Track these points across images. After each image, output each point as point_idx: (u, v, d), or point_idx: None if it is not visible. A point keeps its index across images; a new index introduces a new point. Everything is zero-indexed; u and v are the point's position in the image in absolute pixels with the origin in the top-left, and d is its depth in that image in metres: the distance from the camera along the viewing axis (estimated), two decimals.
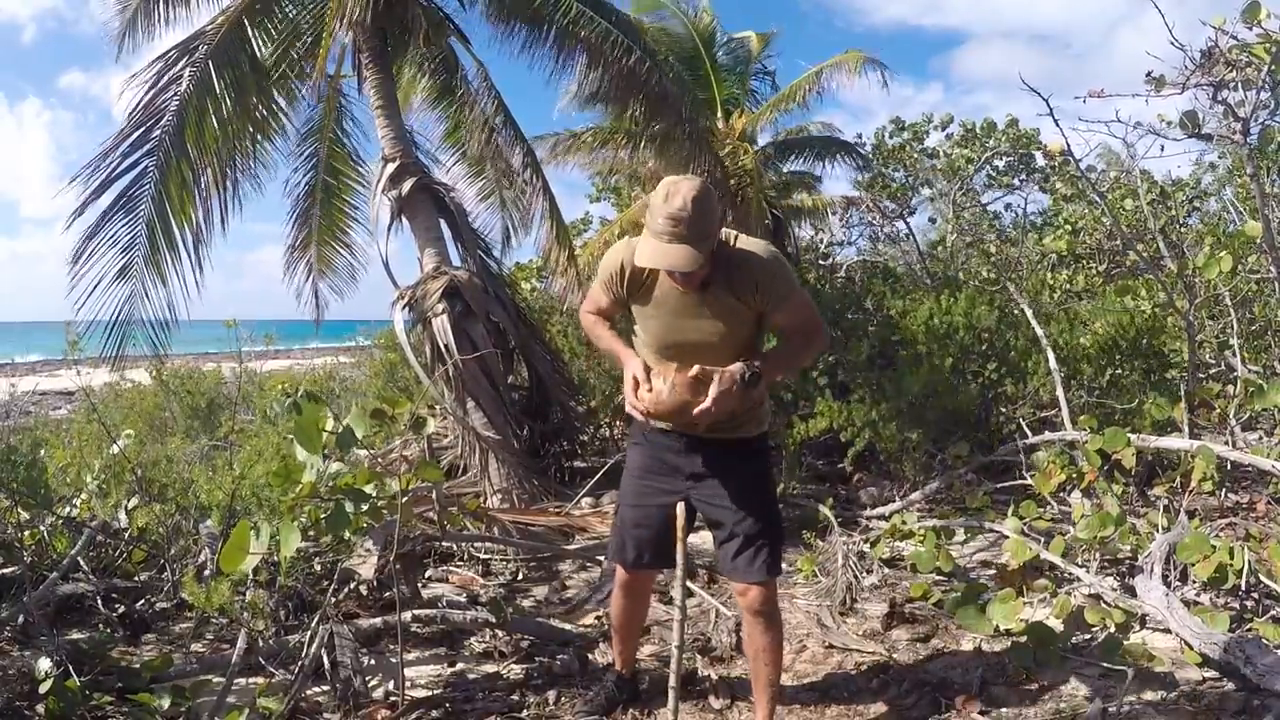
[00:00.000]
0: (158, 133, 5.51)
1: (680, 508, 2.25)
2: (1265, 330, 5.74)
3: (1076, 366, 5.48)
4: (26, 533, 3.41)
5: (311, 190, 7.52)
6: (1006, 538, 3.83)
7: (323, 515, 2.52)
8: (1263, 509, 4.11)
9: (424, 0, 6.23)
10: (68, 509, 3.70)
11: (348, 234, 7.75)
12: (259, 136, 6.63)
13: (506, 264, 7.42)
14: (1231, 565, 3.06)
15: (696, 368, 2.07)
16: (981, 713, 2.61)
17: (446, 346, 5.44)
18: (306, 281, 7.82)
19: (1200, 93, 3.62)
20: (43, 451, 3.97)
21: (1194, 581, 3.19)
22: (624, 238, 2.27)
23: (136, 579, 3.60)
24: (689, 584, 2.95)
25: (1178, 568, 3.24)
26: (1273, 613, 2.99)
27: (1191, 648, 2.79)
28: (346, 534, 2.74)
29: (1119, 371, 5.44)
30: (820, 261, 11.97)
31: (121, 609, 3.34)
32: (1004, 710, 2.63)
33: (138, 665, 2.82)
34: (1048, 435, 4.62)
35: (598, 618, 3.47)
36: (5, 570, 3.40)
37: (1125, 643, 2.94)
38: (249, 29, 5.94)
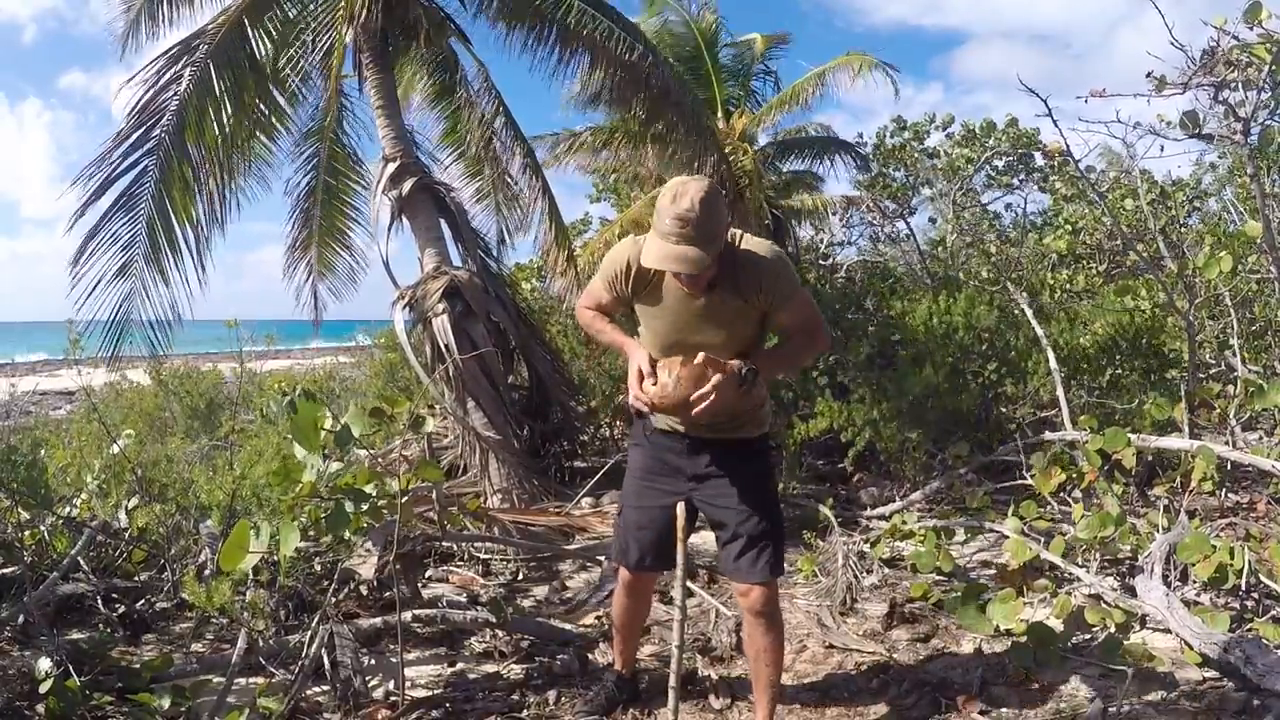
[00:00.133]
0: (158, 132, 5.50)
1: (680, 508, 2.25)
2: (1265, 330, 5.74)
3: (1076, 366, 5.48)
4: (27, 533, 3.41)
5: (312, 190, 7.52)
6: (1006, 538, 3.83)
7: (323, 515, 2.52)
8: (1263, 509, 4.12)
9: (425, 0, 6.23)
10: (68, 509, 3.70)
11: (348, 235, 7.76)
12: (260, 136, 6.63)
13: (505, 264, 7.41)
14: (1232, 565, 3.06)
15: (702, 355, 2.06)
16: (982, 713, 2.61)
17: (446, 346, 5.44)
18: (306, 282, 7.83)
19: (1201, 93, 3.62)
20: (43, 451, 3.96)
21: (1194, 581, 3.20)
22: (629, 236, 2.26)
23: (136, 579, 3.60)
24: (689, 584, 2.95)
25: (1178, 568, 3.24)
26: (1273, 613, 2.99)
27: (1191, 648, 2.79)
28: (346, 534, 2.74)
29: (1119, 371, 5.44)
30: (820, 261, 11.96)
31: (121, 609, 3.34)
32: (1004, 710, 2.63)
33: (138, 665, 2.82)
34: (1048, 435, 4.62)
35: (598, 618, 3.47)
36: (5, 570, 3.40)
37: (1125, 643, 2.94)
38: (249, 29, 5.94)
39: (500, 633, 3.20)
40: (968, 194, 11.56)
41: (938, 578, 3.79)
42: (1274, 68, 3.36)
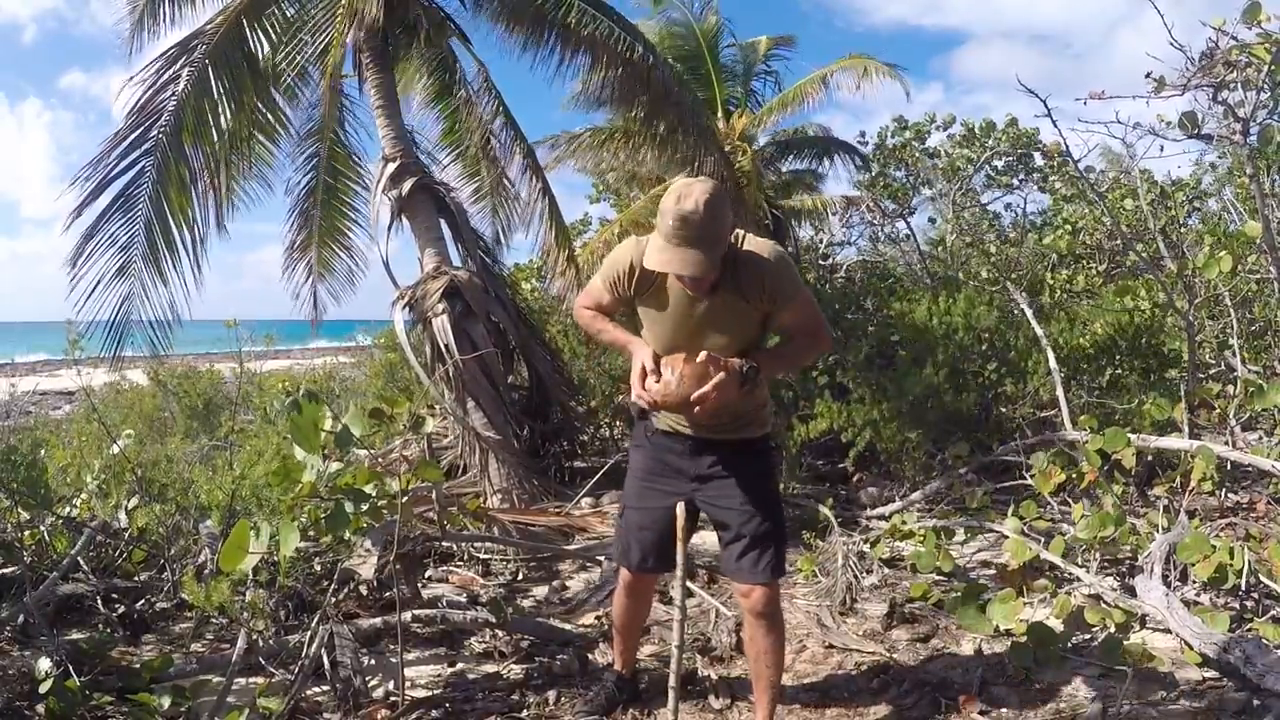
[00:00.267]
0: (155, 133, 5.49)
1: (680, 508, 2.25)
2: (1265, 330, 5.74)
3: (1076, 366, 5.48)
4: (26, 533, 3.41)
5: (312, 190, 7.52)
6: (1006, 538, 3.83)
7: (323, 515, 2.52)
8: (1263, 509, 4.11)
9: (425, 0, 6.23)
10: (68, 509, 3.70)
11: (348, 235, 7.75)
12: (258, 136, 6.63)
13: (505, 264, 7.41)
14: (1231, 565, 3.06)
15: (705, 353, 2.05)
16: (982, 713, 2.61)
17: (446, 346, 5.44)
18: (306, 283, 7.82)
19: (1200, 93, 3.62)
20: (43, 451, 3.97)
21: (1194, 581, 3.20)
22: (631, 236, 2.25)
23: (136, 579, 3.60)
24: (689, 584, 2.95)
25: (1178, 568, 3.24)
26: (1273, 613, 2.99)
27: (1191, 648, 2.79)
28: (346, 534, 2.74)
29: (1119, 371, 5.44)
30: (820, 261, 11.96)
31: (121, 609, 3.34)
32: (1004, 710, 2.63)
33: (138, 665, 2.82)
34: (1048, 435, 4.62)
35: (598, 618, 3.47)
36: (5, 570, 3.40)
37: (1125, 643, 2.94)
38: (247, 29, 5.93)
39: (500, 633, 3.20)
40: (967, 194, 11.56)
41: (938, 578, 3.79)
42: (1273, 68, 3.36)
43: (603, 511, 4.94)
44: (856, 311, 6.66)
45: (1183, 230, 8.34)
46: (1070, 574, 3.51)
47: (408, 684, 2.79)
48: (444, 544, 4.06)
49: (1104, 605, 3.24)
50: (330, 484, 2.51)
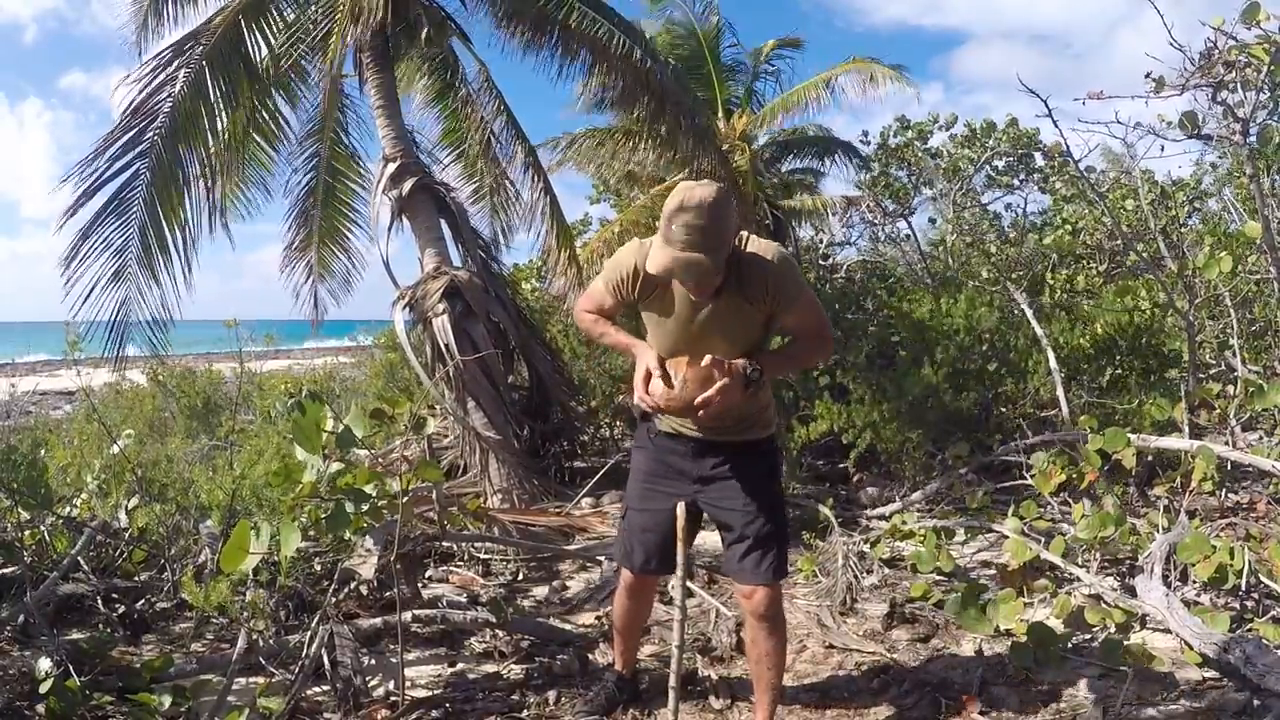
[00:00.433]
0: (150, 135, 5.45)
1: (680, 508, 2.24)
2: (1265, 330, 5.74)
3: (1076, 366, 5.48)
4: (27, 533, 3.41)
5: (312, 190, 7.52)
6: (1007, 538, 3.83)
7: (323, 515, 2.51)
8: (1263, 509, 4.11)
9: (425, 0, 6.23)
10: (68, 509, 3.71)
11: (347, 237, 7.76)
12: (256, 137, 6.62)
13: (505, 264, 7.41)
14: (1231, 565, 3.06)
15: (709, 358, 2.04)
16: (982, 713, 2.61)
17: (447, 346, 5.44)
18: (306, 283, 7.82)
19: (1200, 93, 3.63)
20: (43, 451, 3.97)
21: (1194, 581, 3.20)
22: (634, 239, 2.24)
23: (136, 579, 3.60)
24: (689, 584, 2.95)
25: (1178, 568, 3.24)
26: (1273, 613, 2.99)
27: (1191, 648, 2.79)
28: (346, 534, 2.74)
29: (1119, 371, 5.44)
30: (820, 262, 11.96)
31: (121, 609, 3.34)
32: (1004, 710, 2.63)
33: (138, 665, 2.82)
34: (1048, 435, 4.62)
35: (598, 618, 3.47)
36: (5, 570, 3.39)
37: (1125, 643, 2.94)
38: (245, 29, 5.91)
39: (500, 633, 3.20)
40: (968, 194, 11.55)
41: (938, 578, 3.79)
42: (1272, 68, 3.36)
43: (603, 512, 4.94)
44: (856, 311, 6.67)
45: (1183, 230, 8.34)
46: (1070, 574, 3.51)
47: (408, 684, 2.79)
48: (444, 544, 4.06)
49: (1104, 605, 3.24)
50: (331, 484, 2.51)
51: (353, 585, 3.47)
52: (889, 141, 13.64)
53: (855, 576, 3.69)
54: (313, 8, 6.25)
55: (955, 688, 2.77)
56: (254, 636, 2.75)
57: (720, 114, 12.03)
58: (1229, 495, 4.35)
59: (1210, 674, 2.73)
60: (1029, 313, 5.42)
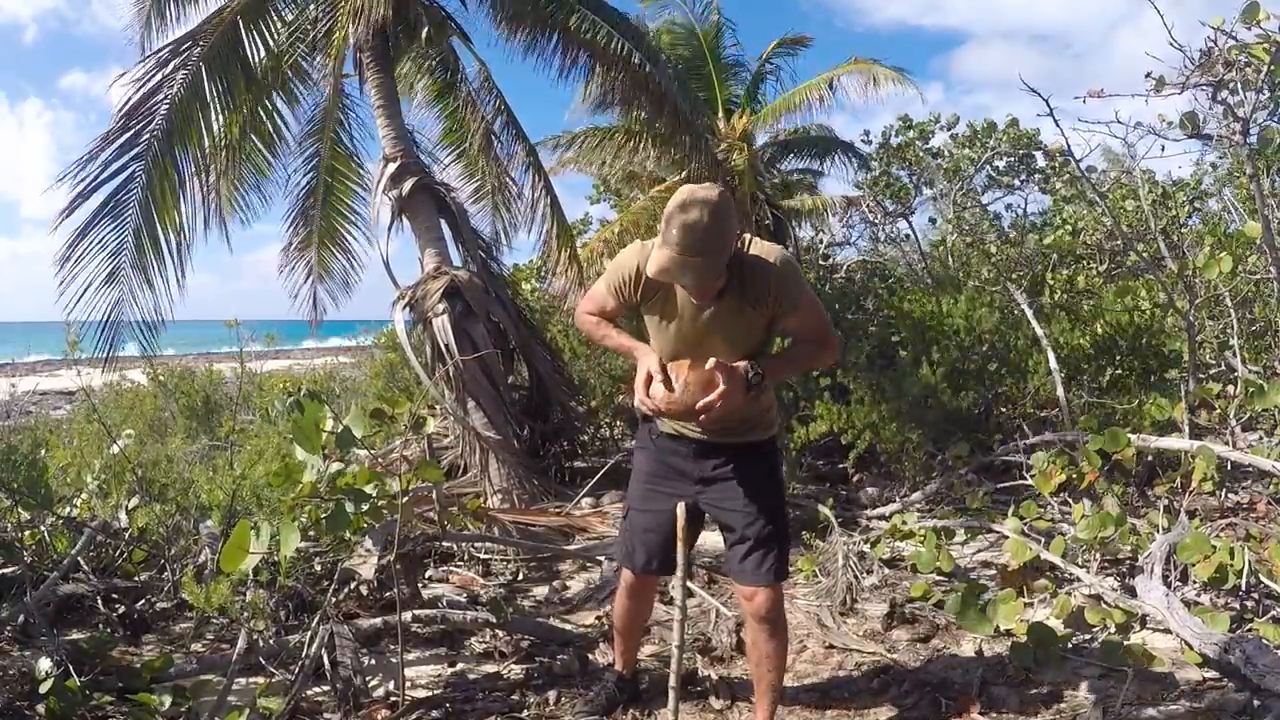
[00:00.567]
0: (146, 136, 5.44)
1: (680, 508, 2.24)
2: (1265, 330, 5.74)
3: (1077, 366, 5.48)
4: (27, 533, 3.41)
5: (312, 190, 7.52)
6: (1007, 538, 3.83)
7: (323, 515, 2.51)
8: (1263, 509, 4.11)
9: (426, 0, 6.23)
10: (68, 509, 3.70)
11: (346, 237, 7.76)
12: (254, 139, 6.62)
13: (505, 265, 7.41)
14: (1232, 565, 3.06)
15: (712, 361, 2.03)
16: (982, 713, 2.61)
17: (447, 346, 5.44)
18: (305, 283, 7.82)
19: (1200, 93, 3.63)
20: (43, 451, 3.97)
21: (1194, 582, 3.20)
22: (636, 241, 2.23)
23: (137, 579, 3.60)
24: (689, 584, 2.95)
25: (1178, 568, 3.24)
26: (1273, 613, 2.99)
27: (1192, 648, 2.78)
28: (346, 534, 2.74)
29: (1119, 371, 5.44)
30: (820, 262, 11.95)
31: (122, 609, 3.34)
32: (1004, 710, 2.63)
33: (138, 665, 2.82)
34: (1048, 435, 4.62)
35: (598, 618, 3.47)
36: (5, 570, 3.39)
37: (1125, 643, 2.94)
38: (243, 30, 5.90)
39: (500, 633, 3.20)
40: (968, 194, 11.55)
41: (938, 578, 3.79)
42: (1272, 68, 3.36)
43: (603, 511, 4.94)
44: (856, 311, 6.67)
45: (1183, 231, 8.34)
46: (1070, 574, 3.51)
47: (408, 684, 2.79)
48: (444, 544, 4.06)
49: (1104, 605, 3.24)
50: (330, 484, 2.51)
51: (353, 585, 3.47)
52: (891, 140, 13.63)
53: (855, 577, 3.69)
54: (312, 7, 6.25)
55: (955, 688, 2.77)
56: (254, 636, 2.75)
57: (720, 114, 12.02)
58: (1229, 495, 4.35)
59: (1210, 674, 2.73)
60: (1029, 313, 5.42)
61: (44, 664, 2.50)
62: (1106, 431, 3.95)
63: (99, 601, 3.34)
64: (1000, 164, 13.59)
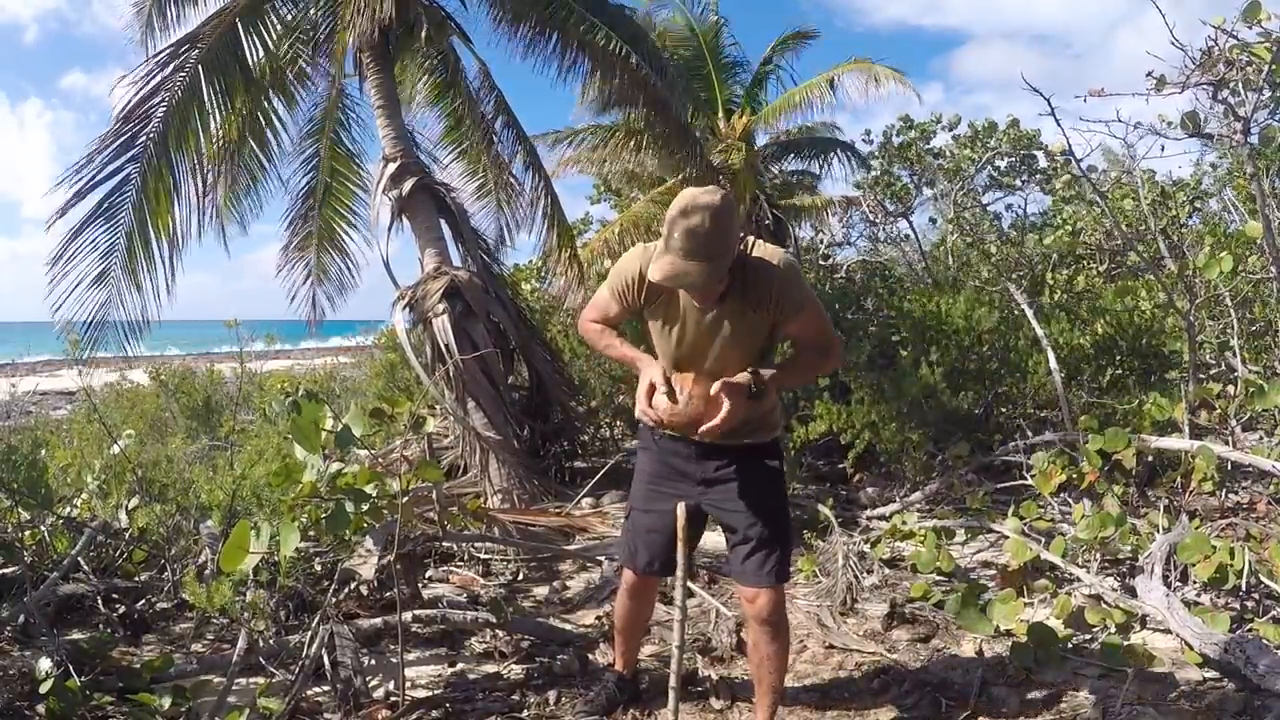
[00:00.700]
0: (143, 139, 5.43)
1: (680, 508, 2.24)
2: (1265, 330, 5.73)
3: (1077, 367, 5.47)
4: (27, 533, 3.41)
5: (311, 190, 7.52)
6: (1007, 538, 3.83)
7: (323, 515, 2.52)
8: (1263, 509, 4.11)
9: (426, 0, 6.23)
10: (68, 509, 3.71)
11: (346, 237, 7.75)
12: (252, 142, 6.61)
13: (506, 264, 7.42)
14: (1232, 565, 3.06)
15: (718, 384, 2.04)
16: (982, 713, 2.61)
17: (447, 346, 5.44)
18: (305, 284, 7.81)
19: (1200, 93, 3.63)
20: (43, 451, 3.97)
21: (1194, 582, 3.20)
22: (638, 245, 2.23)
23: (137, 579, 3.60)
24: (689, 584, 2.95)
25: (1178, 568, 3.24)
26: (1273, 613, 2.99)
27: (1192, 648, 2.79)
28: (347, 534, 2.74)
29: (1119, 371, 5.44)
30: (821, 262, 11.95)
31: (122, 609, 3.34)
32: (1004, 710, 2.63)
33: (138, 665, 2.82)
34: (1048, 435, 4.62)
35: (598, 618, 3.47)
36: (6, 570, 3.40)
37: (1125, 643, 2.94)
38: (242, 32, 5.89)
39: (500, 633, 3.20)
40: (969, 194, 11.55)
41: (938, 578, 3.79)
42: (1273, 67, 3.36)
43: (603, 512, 4.94)
44: (856, 311, 6.67)
45: (1183, 231, 8.34)
46: (1071, 574, 3.51)
47: (408, 684, 2.79)
48: (444, 544, 4.06)
49: (1104, 606, 3.24)
50: (330, 484, 2.51)
51: (353, 585, 3.48)
52: (892, 140, 13.63)
53: (855, 576, 3.69)
54: (311, 9, 6.25)
55: (955, 688, 2.77)
56: (254, 636, 2.75)
57: (720, 114, 12.03)
58: (1229, 495, 4.35)
59: (1210, 674, 2.73)
60: (1029, 313, 5.41)
61: (44, 664, 2.50)
62: (1107, 431, 3.95)
63: (99, 601, 3.34)
64: (1002, 164, 13.59)
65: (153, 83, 5.54)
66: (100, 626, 3.23)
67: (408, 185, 5.85)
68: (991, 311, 5.59)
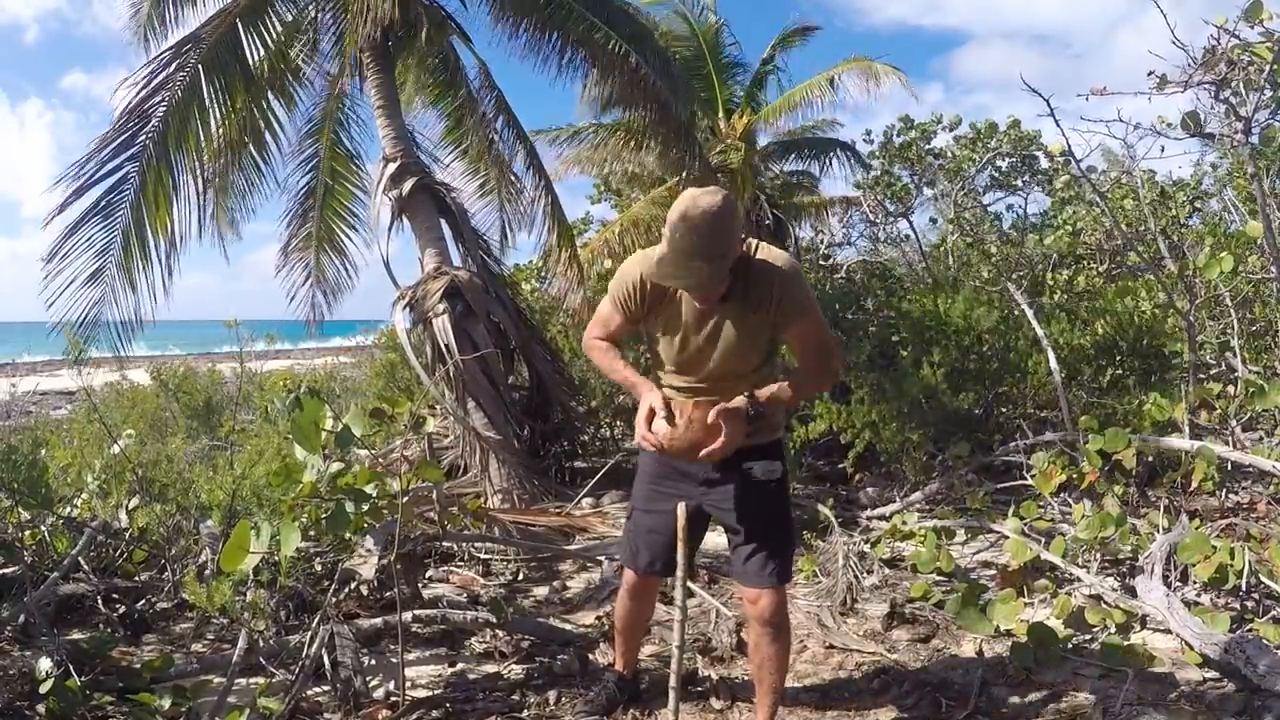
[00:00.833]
0: (143, 138, 5.43)
1: (681, 508, 2.24)
2: (1266, 331, 5.74)
3: (1077, 367, 5.48)
4: (27, 533, 3.41)
5: (310, 191, 7.52)
6: (1007, 538, 3.83)
7: (323, 515, 2.52)
8: (1263, 509, 4.11)
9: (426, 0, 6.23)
10: (68, 509, 3.70)
11: (347, 235, 7.75)
12: (252, 141, 6.61)
13: (506, 264, 7.42)
14: (1232, 566, 3.06)
15: (716, 409, 2.04)
16: (982, 714, 2.61)
17: (447, 346, 5.44)
18: (304, 284, 7.81)
19: (1201, 93, 3.63)
20: (43, 451, 3.97)
21: (1194, 582, 3.20)
22: (637, 252, 2.22)
23: (137, 579, 3.60)
24: (689, 584, 2.95)
25: (1178, 568, 3.24)
26: (1273, 613, 2.99)
27: (1192, 648, 2.79)
28: (347, 534, 2.74)
29: (1119, 372, 5.44)
30: (821, 262, 11.95)
31: (122, 609, 3.34)
32: (1004, 711, 2.63)
33: (138, 665, 2.82)
34: (1048, 435, 4.62)
35: (598, 618, 3.47)
36: (6, 570, 3.39)
37: (1125, 643, 2.94)
38: (242, 33, 5.89)
39: (500, 633, 3.20)
40: (969, 194, 11.55)
41: (938, 578, 3.79)
42: (1275, 67, 3.36)
43: (603, 512, 4.94)
44: (856, 311, 6.67)
45: (1183, 231, 8.33)
46: (1071, 574, 3.51)
47: (408, 684, 2.79)
48: (444, 544, 4.06)
49: (1104, 606, 3.24)
50: (331, 484, 2.51)
51: (353, 585, 3.47)
52: (893, 140, 13.62)
53: (855, 577, 3.69)
54: (312, 9, 6.25)
55: (955, 688, 2.77)
56: (254, 636, 2.75)
57: (720, 113, 12.02)
58: (1229, 495, 4.35)
59: (1210, 674, 2.73)
60: (1029, 313, 5.41)
61: (44, 664, 2.50)
62: (1107, 431, 3.95)
63: (99, 601, 3.34)
64: (1003, 165, 13.58)
65: (154, 82, 5.55)
66: (100, 626, 3.23)
67: (408, 185, 5.85)
68: (990, 311, 5.59)
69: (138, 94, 5.50)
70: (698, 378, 2.22)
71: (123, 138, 5.44)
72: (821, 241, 13.05)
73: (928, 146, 13.44)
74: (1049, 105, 3.94)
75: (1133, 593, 3.25)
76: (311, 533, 2.74)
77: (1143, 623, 3.14)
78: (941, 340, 5.35)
